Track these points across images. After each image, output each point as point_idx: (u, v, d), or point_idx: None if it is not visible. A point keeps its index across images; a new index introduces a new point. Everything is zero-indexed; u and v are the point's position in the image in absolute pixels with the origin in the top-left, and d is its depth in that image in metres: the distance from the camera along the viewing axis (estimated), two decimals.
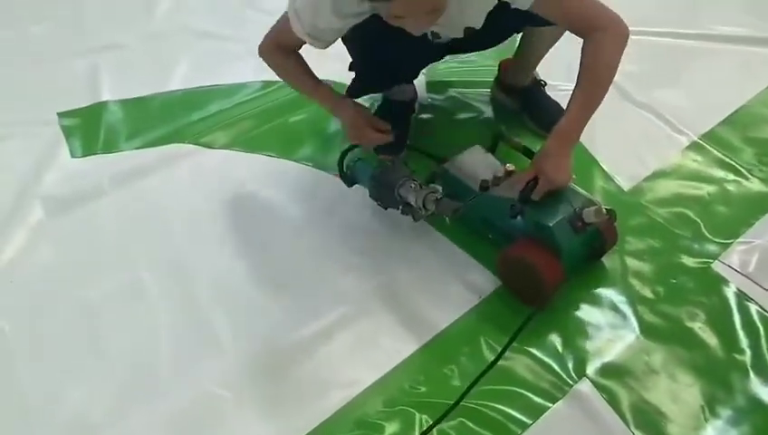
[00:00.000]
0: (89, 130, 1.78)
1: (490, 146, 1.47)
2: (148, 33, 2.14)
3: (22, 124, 1.80)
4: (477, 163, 1.42)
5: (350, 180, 1.49)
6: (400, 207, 1.38)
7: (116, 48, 2.07)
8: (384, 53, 1.37)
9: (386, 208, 1.45)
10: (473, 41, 1.45)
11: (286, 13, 1.34)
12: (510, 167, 1.37)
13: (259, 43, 1.44)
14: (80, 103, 1.87)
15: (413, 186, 1.33)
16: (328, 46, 1.36)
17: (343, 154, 1.50)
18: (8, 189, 1.60)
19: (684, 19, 2.03)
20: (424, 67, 1.68)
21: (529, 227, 1.28)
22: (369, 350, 1.27)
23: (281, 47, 1.43)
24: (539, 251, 1.25)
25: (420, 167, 1.46)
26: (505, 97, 1.73)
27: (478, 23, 1.35)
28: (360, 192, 1.49)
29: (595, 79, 1.30)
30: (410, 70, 1.60)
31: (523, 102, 1.71)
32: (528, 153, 1.40)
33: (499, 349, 1.23)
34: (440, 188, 1.36)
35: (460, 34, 1.41)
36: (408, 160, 1.46)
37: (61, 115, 1.82)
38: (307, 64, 1.45)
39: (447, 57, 1.67)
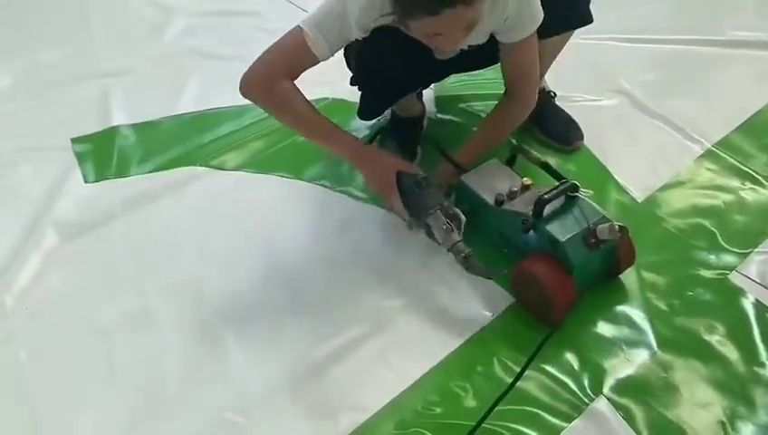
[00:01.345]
0: (101, 154, 1.79)
1: (507, 160, 1.46)
2: (158, 56, 2.15)
3: (35, 150, 1.81)
4: (494, 177, 1.41)
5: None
6: (423, 231, 1.36)
7: (126, 72, 2.08)
8: (389, 63, 1.36)
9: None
10: (475, 58, 1.46)
11: (289, 34, 1.32)
12: (527, 181, 1.36)
13: (245, 74, 1.35)
14: (92, 128, 1.88)
15: (444, 226, 1.30)
16: None
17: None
18: (22, 215, 1.61)
19: (697, 25, 2.01)
20: (428, 80, 1.66)
21: (542, 243, 1.26)
22: (380, 371, 1.26)
23: (283, 73, 1.34)
24: (550, 268, 1.24)
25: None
26: None
27: (481, 39, 1.36)
28: (368, 213, 1.48)
29: (499, 131, 1.54)
30: (414, 80, 1.57)
31: (532, 114, 1.70)
32: (547, 168, 1.39)
33: (513, 367, 1.21)
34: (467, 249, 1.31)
35: (464, 47, 1.40)
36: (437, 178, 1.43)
37: (74, 141, 1.83)
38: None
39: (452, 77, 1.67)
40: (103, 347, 1.34)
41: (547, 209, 1.25)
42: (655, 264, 1.37)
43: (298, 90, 1.35)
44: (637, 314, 1.30)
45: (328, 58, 1.33)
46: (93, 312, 1.41)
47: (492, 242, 1.39)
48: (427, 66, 1.48)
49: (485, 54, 1.43)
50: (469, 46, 1.36)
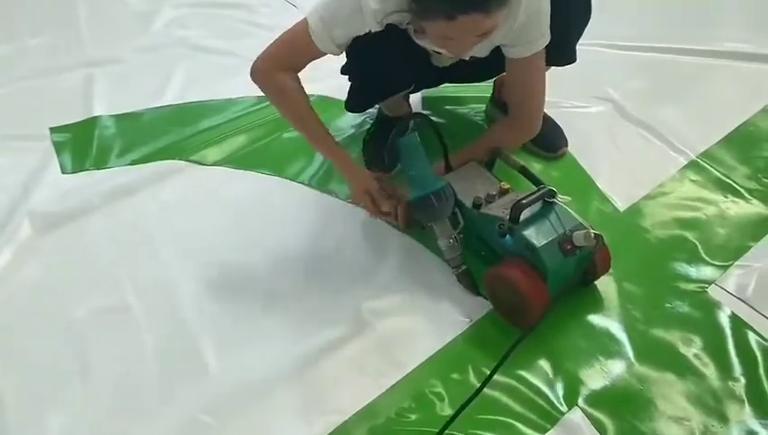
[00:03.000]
0: (80, 145, 1.76)
1: (487, 163, 1.45)
2: (145, 46, 2.12)
3: (14, 139, 1.79)
4: (473, 180, 1.41)
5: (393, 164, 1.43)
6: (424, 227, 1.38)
7: (112, 62, 2.05)
8: (386, 59, 1.34)
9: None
10: (472, 70, 1.45)
11: (296, 26, 1.31)
12: (505, 185, 1.36)
13: (254, 61, 1.35)
14: (73, 118, 1.85)
15: (451, 241, 1.33)
16: None
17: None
18: None
19: (686, 35, 1.99)
20: (421, 84, 1.63)
21: (518, 247, 1.26)
22: (356, 375, 1.25)
23: (283, 65, 1.34)
24: (525, 272, 1.23)
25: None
26: (500, 115, 1.70)
27: (485, 52, 1.37)
28: (349, 213, 1.47)
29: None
30: (408, 81, 1.54)
31: None
32: (525, 173, 1.38)
33: (488, 374, 1.20)
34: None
35: (466, 57, 1.39)
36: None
37: (53, 130, 1.81)
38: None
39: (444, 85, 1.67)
40: (76, 344, 1.33)
41: (524, 214, 1.25)
42: (635, 274, 1.37)
43: (295, 85, 1.35)
44: (615, 325, 1.29)
45: (334, 53, 1.33)
46: (67, 307, 1.39)
47: (469, 244, 1.38)
48: (423, 70, 1.47)
49: (482, 68, 1.44)
50: (471, 58, 1.35)
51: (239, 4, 2.31)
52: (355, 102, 1.51)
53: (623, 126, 1.72)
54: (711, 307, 1.30)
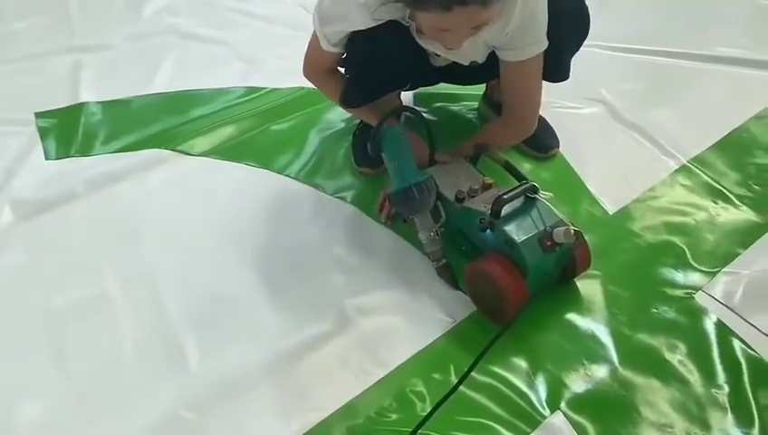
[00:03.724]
0: (65, 131, 1.74)
1: (471, 157, 1.44)
2: (135, 33, 2.10)
3: None
4: (456, 173, 1.40)
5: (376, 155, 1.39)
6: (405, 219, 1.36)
7: (101, 48, 2.03)
8: (385, 55, 1.32)
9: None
10: (470, 72, 1.44)
11: (312, 36, 1.35)
12: (488, 180, 1.35)
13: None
14: (59, 103, 1.83)
15: (432, 235, 1.32)
16: None
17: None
18: None
19: (680, 38, 1.98)
20: (419, 82, 1.61)
21: (498, 242, 1.25)
22: (339, 372, 1.23)
23: (316, 66, 1.43)
24: (504, 267, 1.22)
25: None
26: (493, 113, 1.68)
27: (480, 56, 1.37)
28: (335, 208, 1.45)
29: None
30: (405, 79, 1.51)
31: None
32: (509, 168, 1.37)
33: (472, 374, 1.19)
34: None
35: (464, 62, 1.40)
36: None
37: (38, 115, 1.78)
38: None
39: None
40: (54, 333, 1.30)
41: (505, 209, 1.24)
42: (621, 278, 1.35)
43: (329, 84, 1.45)
44: (600, 329, 1.28)
45: (334, 51, 1.34)
46: (46, 295, 1.37)
47: (450, 238, 1.37)
48: (421, 68, 1.45)
49: (480, 71, 1.42)
50: (470, 63, 1.35)
51: None
52: (349, 98, 1.48)
53: (615, 128, 1.71)
54: (697, 314, 1.29)
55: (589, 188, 1.55)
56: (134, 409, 1.19)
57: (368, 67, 1.36)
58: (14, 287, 1.39)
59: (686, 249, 1.40)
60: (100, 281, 1.39)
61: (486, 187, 1.34)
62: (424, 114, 1.46)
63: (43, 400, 1.21)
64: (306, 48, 1.42)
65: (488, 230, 1.26)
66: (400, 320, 1.31)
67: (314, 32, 1.35)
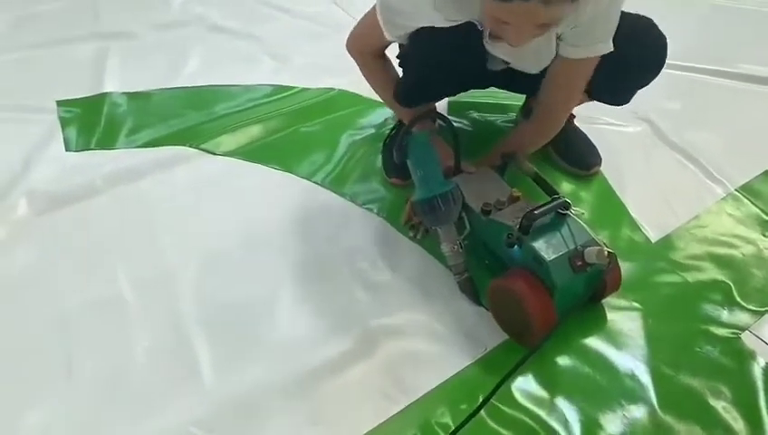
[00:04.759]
0: (87, 122, 1.69)
1: (499, 167, 1.38)
2: (162, 22, 2.05)
3: (18, 110, 1.72)
4: (483, 184, 1.32)
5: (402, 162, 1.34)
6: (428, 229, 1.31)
7: (127, 36, 1.98)
8: (445, 54, 1.25)
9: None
10: (523, 79, 1.37)
11: (373, 9, 1.25)
12: (516, 193, 1.28)
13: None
14: (82, 92, 1.78)
15: (455, 247, 1.26)
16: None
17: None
18: None
19: (730, 56, 1.90)
20: (469, 86, 1.55)
21: (526, 259, 1.18)
22: (359, 398, 1.16)
23: (364, 46, 1.37)
24: (531, 285, 1.16)
25: None
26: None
27: (544, 62, 1.31)
28: (362, 219, 1.38)
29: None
30: (459, 83, 1.47)
31: None
32: (539, 181, 1.30)
33: (499, 406, 1.12)
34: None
35: (534, 71, 1.34)
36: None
37: (60, 104, 1.73)
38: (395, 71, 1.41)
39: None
40: (63, 336, 1.25)
41: (535, 225, 1.17)
42: (663, 312, 1.28)
43: (373, 69, 1.40)
44: (639, 367, 1.20)
45: (399, 41, 1.29)
46: (57, 296, 1.31)
47: (474, 251, 1.31)
48: (478, 72, 1.39)
49: (534, 79, 1.35)
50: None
51: None
52: (405, 97, 1.40)
53: (660, 149, 1.63)
54: (744, 356, 1.21)
55: (630, 211, 1.47)
56: (141, 422, 1.13)
57: (429, 68, 1.30)
58: (26, 285, 1.33)
59: (732, 285, 1.32)
60: (114, 283, 1.34)
61: (514, 199, 1.27)
62: (454, 123, 1.39)
63: (48, 407, 1.15)
64: (358, 23, 1.35)
65: (516, 246, 1.19)
66: (427, 344, 1.24)
67: (373, 10, 1.26)
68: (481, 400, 1.13)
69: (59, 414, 1.14)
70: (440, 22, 1.18)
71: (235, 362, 1.21)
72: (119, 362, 1.21)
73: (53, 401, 1.16)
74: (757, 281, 1.33)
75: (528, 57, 1.29)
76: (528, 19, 1.04)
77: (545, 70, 1.31)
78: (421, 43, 1.25)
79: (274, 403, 1.15)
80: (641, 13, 1.33)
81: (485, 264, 1.32)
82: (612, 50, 1.23)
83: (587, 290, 1.18)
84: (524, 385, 1.16)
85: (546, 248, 1.15)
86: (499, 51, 1.29)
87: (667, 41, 1.35)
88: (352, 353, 1.22)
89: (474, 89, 1.60)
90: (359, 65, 1.42)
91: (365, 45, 1.37)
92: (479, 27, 1.21)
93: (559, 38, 1.25)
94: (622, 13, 1.22)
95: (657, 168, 1.59)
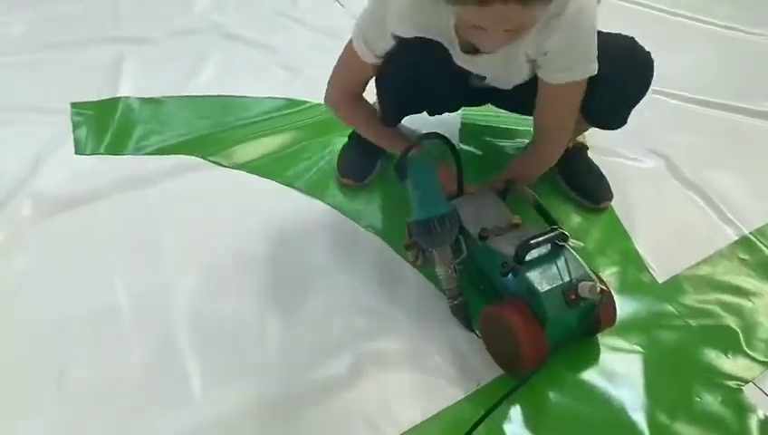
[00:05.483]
0: (99, 126, 1.69)
1: (501, 191, 1.35)
2: (180, 28, 2.05)
3: (30, 111, 1.72)
4: (484, 208, 1.31)
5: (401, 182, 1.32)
6: (425, 251, 1.28)
7: (145, 41, 1.98)
8: (423, 70, 1.26)
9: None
10: (505, 97, 1.38)
11: (344, 51, 1.31)
12: (516, 220, 1.26)
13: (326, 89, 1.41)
14: (96, 95, 1.78)
15: (449, 270, 1.24)
16: None
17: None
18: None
19: (755, 93, 1.86)
20: (452, 106, 1.53)
21: (519, 289, 1.17)
22: (346, 429, 1.14)
23: (345, 90, 1.39)
24: (522, 314, 1.14)
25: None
26: None
27: (523, 77, 1.30)
28: (364, 242, 1.37)
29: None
30: (440, 102, 1.45)
31: (562, 164, 1.57)
32: (540, 209, 1.28)
33: None
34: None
35: (508, 86, 1.34)
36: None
37: (74, 106, 1.73)
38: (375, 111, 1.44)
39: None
40: (55, 345, 1.24)
41: (531, 254, 1.15)
42: (665, 358, 1.24)
43: (358, 110, 1.43)
44: (635, 411, 1.17)
45: (375, 62, 1.29)
46: (52, 303, 1.30)
47: (468, 276, 1.29)
48: (456, 91, 1.39)
49: (516, 97, 1.35)
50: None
51: None
52: (390, 114, 1.42)
53: (672, 186, 1.60)
54: (744, 409, 1.17)
55: (638, 249, 1.44)
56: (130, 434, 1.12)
57: (406, 84, 1.29)
58: (22, 290, 1.33)
59: (739, 333, 1.29)
60: (111, 291, 1.33)
61: (513, 226, 1.26)
62: (464, 148, 1.38)
63: (39, 419, 1.14)
64: (333, 72, 1.38)
65: (510, 275, 1.18)
66: (420, 375, 1.21)
67: (345, 50, 1.31)
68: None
69: (46, 425, 1.13)
70: (409, 30, 1.21)
71: (223, 380, 1.20)
72: (110, 376, 1.20)
73: (41, 412, 1.14)
74: (766, 332, 1.29)
75: (498, 71, 1.29)
76: (503, 23, 1.05)
77: (533, 88, 1.29)
78: (399, 54, 1.26)
79: (263, 425, 1.13)
80: (670, 47, 1.30)
81: (480, 289, 1.30)
82: (595, 72, 1.22)
83: (580, 324, 1.17)
84: (515, 421, 1.14)
85: (540, 280, 1.14)
86: (470, 66, 1.28)
87: (681, 71, 1.34)
88: (342, 378, 1.20)
89: (466, 106, 1.61)
90: (340, 115, 1.45)
91: (347, 84, 1.38)
92: (445, 45, 1.22)
93: (535, 64, 1.25)
94: (602, 34, 1.22)
95: (669, 205, 1.55)
